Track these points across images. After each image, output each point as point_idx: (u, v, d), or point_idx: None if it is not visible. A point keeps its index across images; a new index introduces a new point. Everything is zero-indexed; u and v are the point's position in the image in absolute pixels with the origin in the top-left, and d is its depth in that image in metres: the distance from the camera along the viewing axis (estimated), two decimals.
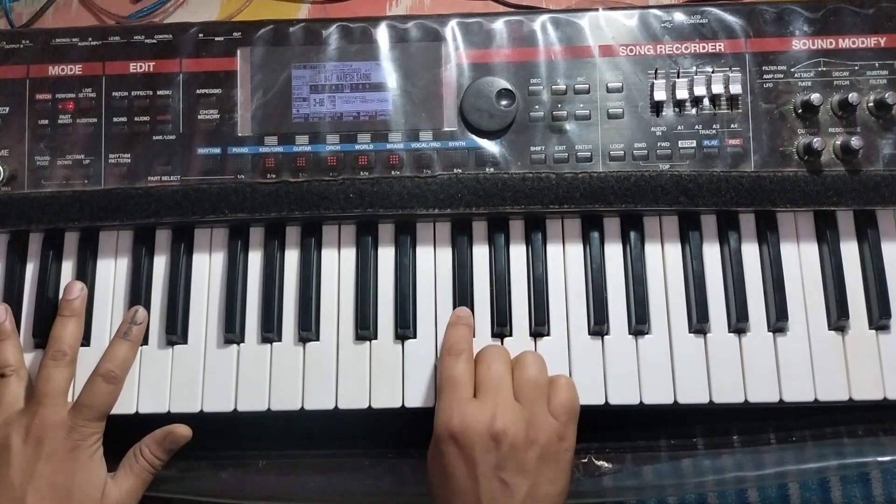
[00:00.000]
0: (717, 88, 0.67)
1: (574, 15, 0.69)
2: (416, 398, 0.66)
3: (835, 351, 0.66)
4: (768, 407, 0.65)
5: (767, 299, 0.67)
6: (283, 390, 0.66)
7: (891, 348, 0.66)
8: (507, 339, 0.67)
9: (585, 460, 0.67)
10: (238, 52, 0.69)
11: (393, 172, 0.67)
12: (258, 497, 0.67)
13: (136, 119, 0.69)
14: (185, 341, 0.67)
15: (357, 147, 0.68)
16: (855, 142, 0.65)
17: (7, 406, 0.64)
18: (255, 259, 0.69)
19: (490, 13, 0.70)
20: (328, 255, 0.69)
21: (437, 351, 0.67)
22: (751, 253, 0.68)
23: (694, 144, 0.67)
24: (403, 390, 0.66)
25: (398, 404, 0.66)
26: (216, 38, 0.69)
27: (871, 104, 0.67)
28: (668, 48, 0.68)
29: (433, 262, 0.69)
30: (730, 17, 0.68)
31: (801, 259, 0.68)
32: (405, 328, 0.67)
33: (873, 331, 0.66)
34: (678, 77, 0.68)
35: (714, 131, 0.67)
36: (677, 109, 0.68)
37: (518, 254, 0.69)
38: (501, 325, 0.67)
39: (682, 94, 0.67)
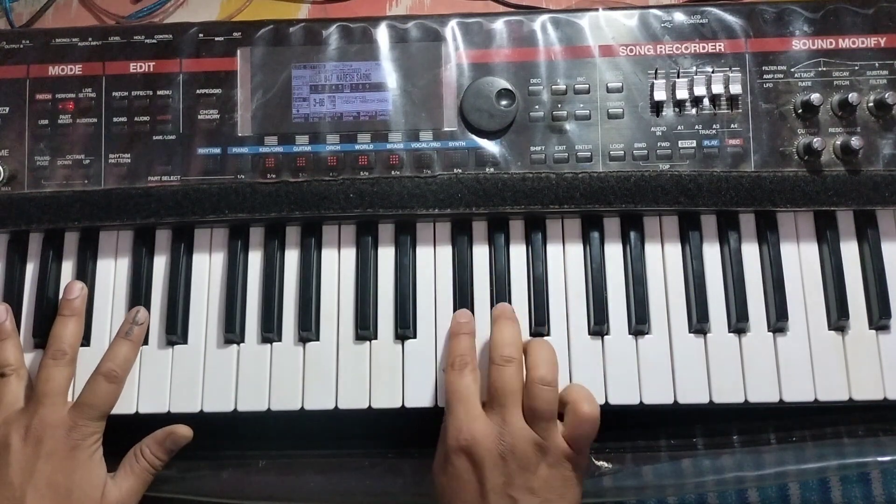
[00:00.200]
0: (717, 88, 0.67)
1: (574, 15, 0.69)
2: (416, 398, 0.66)
3: (835, 351, 0.66)
4: (768, 407, 0.65)
5: (767, 299, 0.67)
6: (283, 390, 0.66)
7: (891, 348, 0.66)
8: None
9: None
10: (238, 52, 0.69)
11: (393, 172, 0.67)
12: (258, 497, 0.67)
13: (136, 119, 0.69)
14: (185, 341, 0.67)
15: (357, 147, 0.68)
16: (855, 142, 0.65)
17: (7, 405, 0.64)
18: (255, 259, 0.69)
19: (490, 13, 0.70)
20: (328, 255, 0.69)
21: (437, 351, 0.67)
22: (751, 253, 0.68)
23: (694, 144, 0.67)
24: (403, 390, 0.66)
25: (398, 404, 0.66)
26: (216, 38, 0.69)
27: (871, 104, 0.67)
28: (668, 48, 0.68)
29: (433, 262, 0.69)
30: (730, 17, 0.68)
31: (801, 259, 0.68)
32: (405, 328, 0.67)
33: (873, 331, 0.66)
34: (678, 77, 0.68)
35: (714, 131, 0.67)
36: (677, 109, 0.68)
37: (518, 254, 0.69)
38: None
39: (682, 94, 0.67)
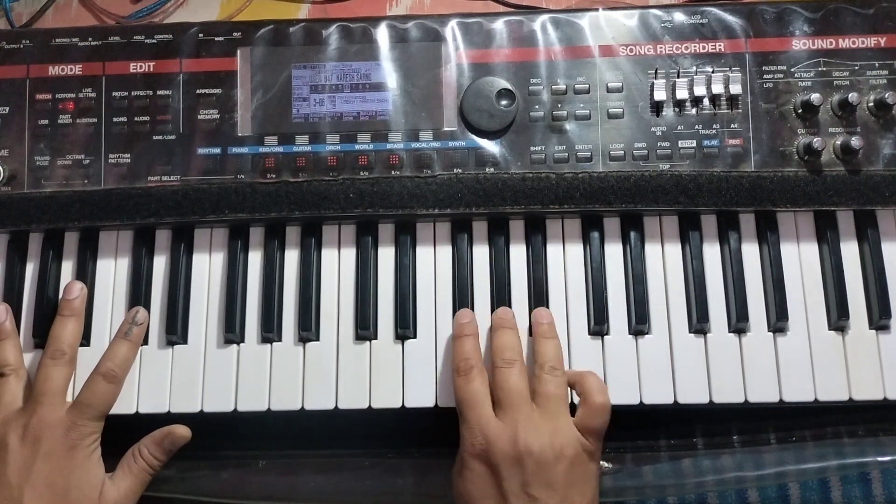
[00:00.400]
0: (717, 88, 0.67)
1: (574, 15, 0.69)
2: (416, 398, 0.66)
3: (835, 351, 0.66)
4: (768, 407, 0.65)
5: (767, 299, 0.67)
6: (283, 390, 0.66)
7: (891, 348, 0.66)
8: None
9: None
10: (238, 52, 0.69)
11: (393, 172, 0.67)
12: (258, 497, 0.67)
13: (136, 119, 0.69)
14: (185, 341, 0.67)
15: (357, 147, 0.68)
16: (855, 142, 0.65)
17: (6, 405, 0.64)
18: (255, 259, 0.69)
19: (490, 13, 0.70)
20: (328, 255, 0.69)
21: (437, 351, 0.66)
22: (751, 253, 0.68)
23: (694, 144, 0.67)
24: (403, 390, 0.66)
25: (398, 404, 0.66)
26: (216, 38, 0.69)
27: (871, 104, 0.67)
28: (668, 48, 0.68)
29: (433, 262, 0.69)
30: (730, 17, 0.68)
31: (801, 259, 0.68)
32: (405, 328, 0.67)
33: (873, 331, 0.66)
34: (678, 77, 0.68)
35: (714, 131, 0.67)
36: (677, 109, 0.68)
37: (518, 254, 0.69)
38: None
39: (682, 94, 0.67)
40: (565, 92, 0.68)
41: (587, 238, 0.69)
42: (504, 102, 0.67)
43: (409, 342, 0.67)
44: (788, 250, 0.68)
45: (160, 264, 0.69)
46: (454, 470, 0.62)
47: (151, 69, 0.69)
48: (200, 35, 0.69)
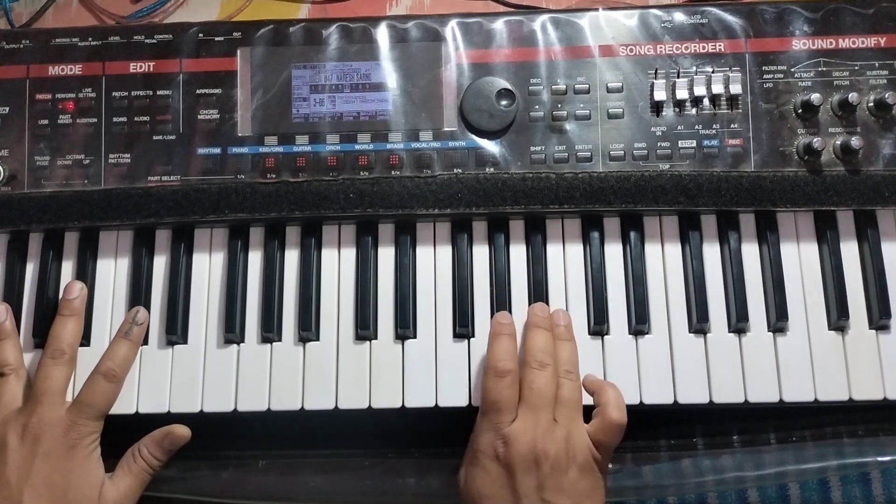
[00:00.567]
0: (717, 88, 0.67)
1: (574, 15, 0.69)
2: (416, 398, 0.65)
3: (835, 351, 0.66)
4: (768, 407, 0.65)
5: (767, 299, 0.67)
6: (283, 390, 0.66)
7: (891, 348, 0.66)
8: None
9: None
10: (238, 52, 0.69)
11: (393, 172, 0.67)
12: (258, 497, 0.67)
13: (136, 119, 0.69)
14: (185, 341, 0.67)
15: (357, 147, 0.68)
16: (855, 142, 0.65)
17: (5, 405, 0.64)
18: (255, 259, 0.69)
19: (490, 13, 0.70)
20: (328, 255, 0.69)
21: (437, 351, 0.66)
22: (751, 253, 0.68)
23: (694, 144, 0.67)
24: (403, 390, 0.66)
25: (398, 404, 0.65)
26: (216, 38, 0.69)
27: (871, 104, 0.67)
28: (668, 48, 0.68)
29: (433, 262, 0.69)
30: (730, 17, 0.68)
31: (801, 259, 0.68)
32: (405, 328, 0.67)
33: (873, 331, 0.66)
34: (678, 77, 0.68)
35: (714, 131, 0.67)
36: (677, 109, 0.68)
37: (518, 254, 0.69)
38: None
39: (682, 94, 0.67)
40: (565, 92, 0.68)
41: (587, 238, 0.69)
42: (504, 102, 0.67)
43: (409, 342, 0.67)
44: (788, 250, 0.68)
45: (160, 264, 0.69)
46: (464, 470, 0.62)
47: (151, 69, 0.69)
48: (200, 35, 0.69)
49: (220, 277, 0.69)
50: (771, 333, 0.66)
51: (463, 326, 0.67)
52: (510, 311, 0.67)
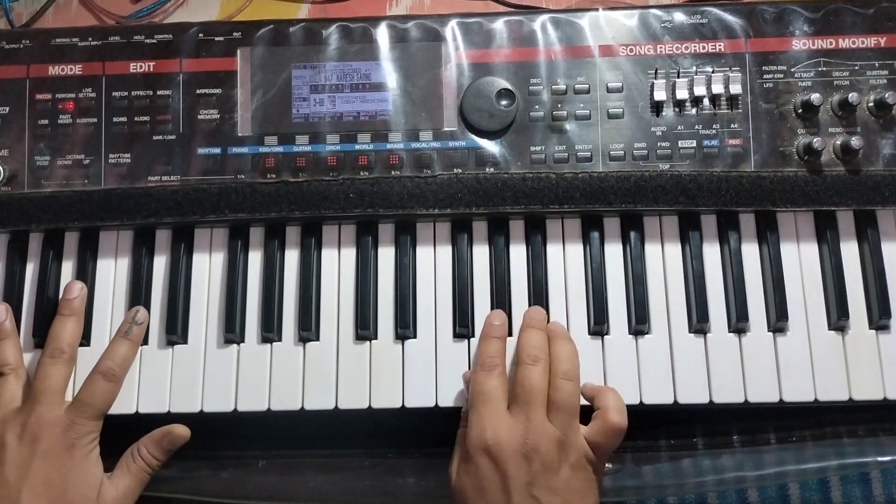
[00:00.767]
0: (717, 88, 0.67)
1: (574, 15, 0.69)
2: (416, 398, 0.66)
3: (835, 351, 0.66)
4: (768, 407, 0.65)
5: (767, 299, 0.67)
6: (283, 390, 0.66)
7: (891, 348, 0.66)
8: (507, 339, 0.66)
9: None
10: (238, 52, 0.69)
11: (393, 172, 0.67)
12: (258, 497, 0.67)
13: (136, 119, 0.69)
14: (185, 341, 0.67)
15: (357, 147, 0.68)
16: (855, 142, 0.65)
17: (4, 404, 0.64)
18: (255, 259, 0.69)
19: (490, 13, 0.70)
20: (328, 255, 0.69)
21: (437, 351, 0.66)
22: (751, 253, 0.68)
23: (694, 144, 0.67)
24: (403, 390, 0.66)
25: (398, 404, 0.66)
26: (216, 38, 0.69)
27: (871, 104, 0.67)
28: (668, 48, 0.68)
29: (433, 262, 0.69)
30: (730, 17, 0.68)
31: (801, 259, 0.68)
32: (405, 328, 0.67)
33: (873, 331, 0.66)
34: (678, 77, 0.68)
35: (714, 131, 0.67)
36: (677, 109, 0.68)
37: (518, 254, 0.69)
38: None
39: (682, 94, 0.67)
40: (565, 92, 0.68)
41: (587, 238, 0.69)
42: (504, 102, 0.67)
43: (409, 342, 0.67)
44: (788, 250, 0.68)
45: (160, 264, 0.69)
46: (454, 465, 0.62)
47: (151, 69, 0.69)
48: (200, 35, 0.69)
49: (220, 277, 0.69)
50: (771, 333, 0.66)
51: (463, 326, 0.67)
52: (510, 312, 0.67)
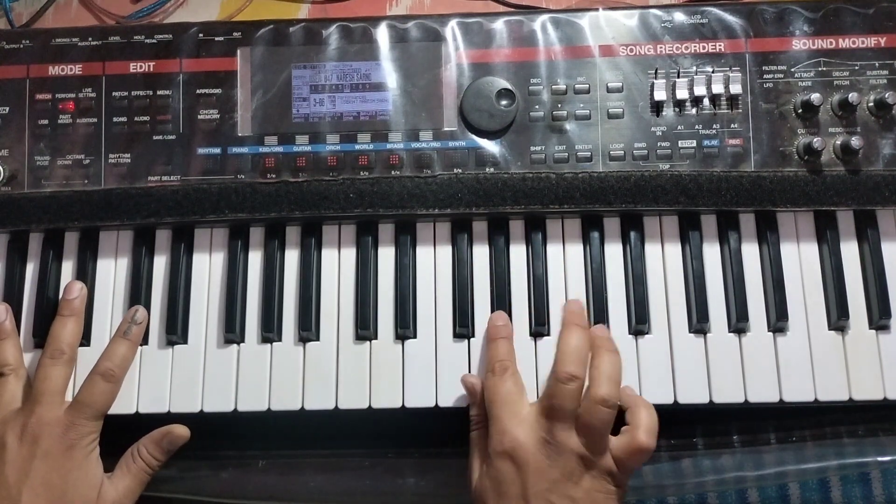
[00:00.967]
0: (717, 88, 0.67)
1: (574, 15, 0.69)
2: (416, 398, 0.65)
3: (835, 351, 0.66)
4: (768, 407, 0.65)
5: (767, 299, 0.67)
6: (283, 390, 0.66)
7: (891, 348, 0.66)
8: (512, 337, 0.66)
9: None
10: (238, 52, 0.69)
11: (393, 172, 0.67)
12: (258, 497, 0.67)
13: (136, 119, 0.69)
14: (185, 341, 0.67)
15: (357, 147, 0.68)
16: (855, 142, 0.65)
17: (5, 405, 0.64)
18: (255, 259, 0.69)
19: (490, 13, 0.70)
20: (328, 255, 0.69)
21: (437, 351, 0.66)
22: (751, 253, 0.68)
23: (694, 144, 0.67)
24: (403, 390, 0.66)
25: (398, 404, 0.65)
26: (216, 38, 0.69)
27: (871, 104, 0.67)
28: (668, 48, 0.68)
29: (433, 262, 0.69)
30: (730, 17, 0.68)
31: (801, 259, 0.68)
32: (405, 328, 0.67)
33: (873, 331, 0.66)
34: (678, 77, 0.68)
35: (714, 131, 0.67)
36: (677, 109, 0.68)
37: (518, 254, 0.69)
38: None
39: (682, 94, 0.67)
40: (565, 92, 0.68)
41: (587, 238, 0.68)
42: (504, 102, 0.67)
43: (409, 342, 0.67)
44: (788, 250, 0.68)
45: (160, 264, 0.69)
46: (474, 467, 0.62)
47: (151, 69, 0.69)
48: (200, 35, 0.69)
49: (220, 277, 0.69)
50: (771, 333, 0.66)
51: (463, 326, 0.67)
52: (510, 312, 0.67)
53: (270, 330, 0.67)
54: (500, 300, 0.67)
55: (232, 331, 0.67)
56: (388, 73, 0.69)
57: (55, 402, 0.63)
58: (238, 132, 0.68)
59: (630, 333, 0.67)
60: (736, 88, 0.67)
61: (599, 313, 0.66)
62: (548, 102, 0.68)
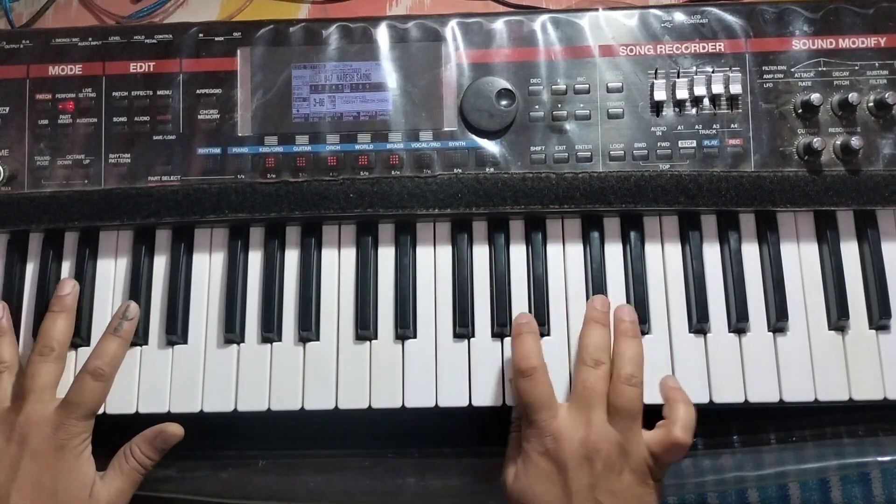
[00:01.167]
0: (717, 88, 0.67)
1: (574, 15, 0.69)
2: (416, 398, 0.65)
3: (835, 351, 0.66)
4: (768, 407, 0.65)
5: (767, 299, 0.67)
6: (283, 390, 0.66)
7: (891, 348, 0.66)
8: (507, 339, 0.66)
9: None
10: (238, 52, 0.69)
11: (393, 172, 0.67)
12: (258, 497, 0.67)
13: (136, 119, 0.69)
14: (185, 341, 0.67)
15: (357, 147, 0.68)
16: (855, 142, 0.65)
17: None
18: (255, 259, 0.69)
19: (490, 13, 0.70)
20: (328, 255, 0.69)
21: (437, 351, 0.66)
22: (751, 253, 0.68)
23: (694, 144, 0.67)
24: (403, 390, 0.66)
25: (398, 404, 0.65)
26: (216, 38, 0.69)
27: (871, 104, 0.67)
28: (668, 48, 0.68)
29: (433, 262, 0.69)
30: (730, 17, 0.68)
31: (801, 259, 0.68)
32: (405, 328, 0.67)
33: (873, 331, 0.66)
34: (678, 77, 0.68)
35: (714, 131, 0.67)
36: (677, 109, 0.68)
37: (518, 254, 0.69)
38: (501, 326, 0.66)
39: (682, 94, 0.67)
40: (565, 92, 0.68)
41: (587, 238, 0.68)
42: (504, 102, 0.67)
43: (409, 342, 0.67)
44: (788, 250, 0.68)
45: (160, 264, 0.69)
46: (511, 469, 0.61)
47: (151, 69, 0.69)
48: (200, 35, 0.69)
49: (220, 277, 0.69)
50: (771, 333, 0.66)
51: (463, 326, 0.67)
52: (510, 312, 0.67)
53: (270, 330, 0.67)
54: (500, 300, 0.67)
55: (232, 331, 0.67)
56: (388, 73, 0.69)
57: (43, 400, 0.62)
58: (238, 132, 0.68)
59: None
60: (736, 88, 0.67)
61: None
62: (548, 102, 0.68)
